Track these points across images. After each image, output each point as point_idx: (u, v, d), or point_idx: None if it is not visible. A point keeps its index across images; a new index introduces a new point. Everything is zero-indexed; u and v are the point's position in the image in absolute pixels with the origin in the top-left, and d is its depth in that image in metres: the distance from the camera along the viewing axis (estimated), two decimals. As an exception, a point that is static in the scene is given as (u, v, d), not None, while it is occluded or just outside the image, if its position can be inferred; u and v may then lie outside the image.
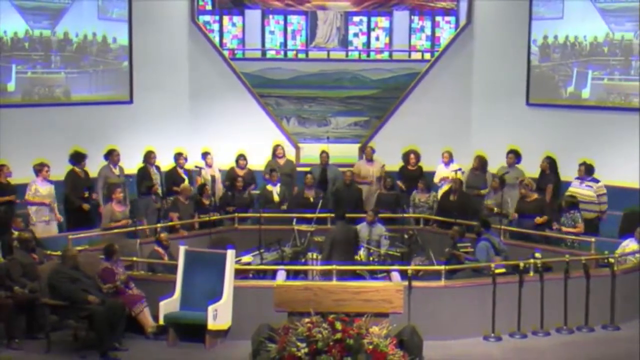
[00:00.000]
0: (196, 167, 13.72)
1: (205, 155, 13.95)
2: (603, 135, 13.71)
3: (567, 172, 13.15)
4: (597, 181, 12.43)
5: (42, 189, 12.13)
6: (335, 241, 11.29)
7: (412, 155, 14.01)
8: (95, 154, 13.17)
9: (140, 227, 11.87)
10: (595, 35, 14.01)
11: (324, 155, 14.25)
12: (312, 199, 13.06)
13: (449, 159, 13.81)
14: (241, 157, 13.94)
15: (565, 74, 14.43)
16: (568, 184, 12.86)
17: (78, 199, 12.53)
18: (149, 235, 11.95)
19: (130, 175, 13.18)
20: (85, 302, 9.23)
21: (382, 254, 11.58)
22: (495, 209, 12.15)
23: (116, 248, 10.07)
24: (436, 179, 13.88)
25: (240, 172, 13.79)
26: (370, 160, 14.12)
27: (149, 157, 13.41)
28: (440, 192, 13.43)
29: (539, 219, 11.88)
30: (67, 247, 10.14)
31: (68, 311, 9.26)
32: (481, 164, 13.46)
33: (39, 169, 12.21)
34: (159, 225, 12.04)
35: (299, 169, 14.45)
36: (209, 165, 13.89)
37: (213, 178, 13.77)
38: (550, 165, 13.06)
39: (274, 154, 14.29)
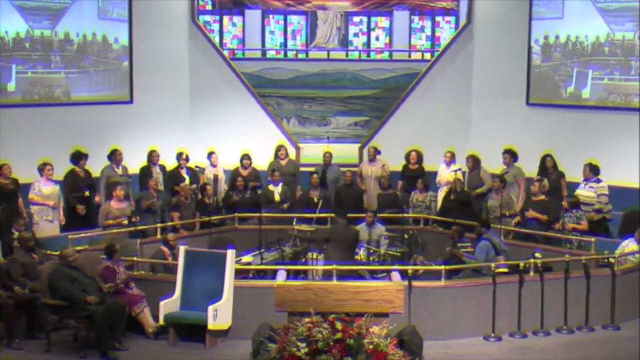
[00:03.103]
0: (197, 167, 13.72)
1: (210, 155, 13.96)
2: (603, 136, 13.69)
3: (568, 172, 13.13)
4: (599, 182, 12.40)
5: (44, 189, 12.12)
6: (332, 238, 11.29)
7: (413, 154, 13.99)
8: (95, 154, 13.16)
9: (141, 228, 11.86)
10: (596, 36, 13.98)
11: (327, 155, 14.25)
12: (316, 200, 13.05)
13: (451, 159, 13.78)
14: (245, 157, 13.91)
15: (566, 74, 14.42)
16: (570, 183, 12.84)
17: (74, 200, 12.51)
18: (148, 235, 11.95)
19: (131, 175, 13.19)
20: (85, 303, 9.22)
21: (383, 254, 11.58)
22: (503, 210, 12.07)
23: (117, 248, 10.07)
24: (438, 179, 13.85)
25: (244, 173, 13.78)
26: (372, 160, 14.12)
27: (151, 156, 13.43)
28: (441, 194, 13.42)
29: (543, 217, 11.87)
30: (67, 248, 10.14)
31: (68, 311, 9.26)
32: (475, 163, 13.43)
33: (42, 168, 12.21)
34: (159, 225, 12.03)
35: (300, 169, 14.44)
36: (214, 165, 13.90)
37: (216, 178, 13.76)
38: (554, 164, 13.03)
39: (277, 155, 14.28)
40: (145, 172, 13.27)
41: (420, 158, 14.05)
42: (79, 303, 9.21)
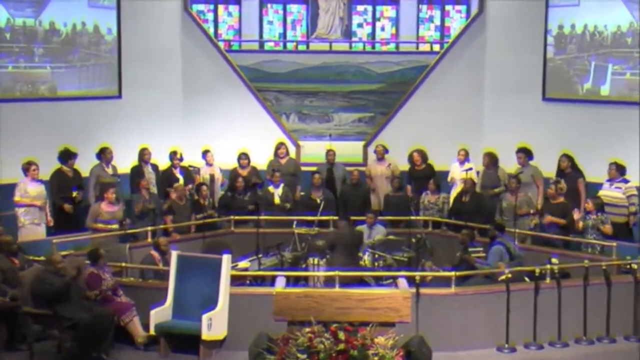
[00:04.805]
0: (190, 166, 13.69)
1: (205, 153, 13.95)
2: (626, 133, 13.61)
3: (588, 172, 13.09)
4: (626, 182, 12.35)
5: (31, 190, 12.07)
6: (338, 243, 11.26)
7: (415, 155, 13.99)
8: (82, 152, 13.14)
9: (131, 231, 11.84)
10: (617, 24, 13.87)
11: (331, 154, 14.25)
12: (319, 201, 13.07)
13: (464, 157, 13.77)
14: (243, 156, 13.90)
15: (582, 68, 14.32)
16: (590, 183, 12.80)
17: (60, 199, 12.47)
18: (139, 239, 11.94)
19: (120, 175, 13.17)
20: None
21: (386, 256, 11.56)
22: (521, 209, 12.06)
23: (101, 253, 10.04)
24: (449, 178, 13.84)
25: (243, 172, 13.74)
26: (381, 159, 14.11)
27: (142, 154, 13.40)
28: (453, 194, 13.40)
29: (560, 220, 11.85)
30: (52, 252, 10.12)
31: (52, 320, 9.24)
32: (492, 161, 13.44)
33: (27, 168, 12.15)
34: (150, 228, 12.01)
35: (301, 168, 14.43)
36: (209, 164, 13.88)
37: (212, 177, 13.74)
38: (570, 163, 13.00)
39: (276, 153, 14.26)
40: (137, 172, 13.24)
41: (424, 157, 14.02)
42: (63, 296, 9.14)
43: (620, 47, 13.86)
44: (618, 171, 12.43)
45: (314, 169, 13.99)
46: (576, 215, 11.69)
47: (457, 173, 13.70)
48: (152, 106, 14.82)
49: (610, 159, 12.64)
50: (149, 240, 11.71)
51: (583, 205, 12.04)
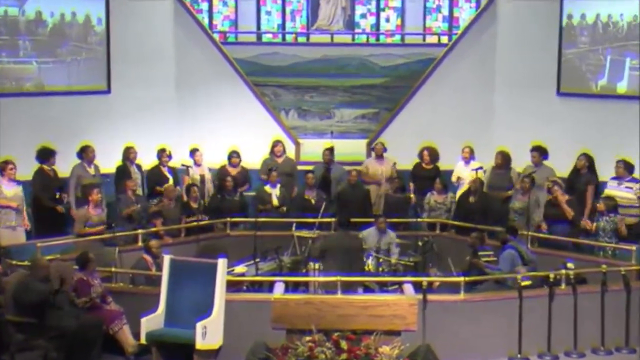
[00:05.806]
0: (183, 165, 13.68)
1: (193, 152, 13.92)
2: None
3: (604, 171, 13.05)
4: (637, 181, 12.32)
5: (7, 191, 12.02)
6: (329, 250, 11.19)
7: (425, 153, 13.98)
8: (68, 150, 13.12)
9: (120, 234, 11.81)
10: (634, 14, 13.79)
11: (327, 152, 14.21)
12: (313, 202, 13.08)
13: (469, 156, 13.75)
14: (234, 154, 13.91)
15: (596, 63, 14.22)
16: (605, 184, 12.78)
17: (49, 201, 12.43)
18: (127, 243, 11.91)
19: (107, 175, 13.14)
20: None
21: (394, 264, 11.53)
22: (515, 218, 12.06)
23: (91, 257, 10.04)
24: (454, 178, 13.84)
25: (233, 171, 13.72)
26: (380, 157, 14.07)
27: (127, 153, 13.36)
28: (458, 193, 13.38)
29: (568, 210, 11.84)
30: (37, 257, 10.08)
31: (36, 329, 9.20)
32: (504, 161, 13.41)
33: (3, 167, 12.09)
34: (140, 231, 11.97)
35: (299, 167, 14.44)
36: (198, 164, 13.85)
37: (202, 178, 13.74)
38: (588, 164, 12.95)
39: (272, 152, 14.23)
40: (122, 172, 13.20)
41: (434, 156, 14.00)
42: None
43: (638, 39, 13.75)
44: (627, 169, 12.40)
45: (311, 167, 13.96)
46: (587, 225, 11.70)
47: (462, 173, 13.65)
48: (142, 102, 14.79)
49: (621, 156, 12.60)
50: (140, 244, 11.70)
51: (587, 214, 12.09)
